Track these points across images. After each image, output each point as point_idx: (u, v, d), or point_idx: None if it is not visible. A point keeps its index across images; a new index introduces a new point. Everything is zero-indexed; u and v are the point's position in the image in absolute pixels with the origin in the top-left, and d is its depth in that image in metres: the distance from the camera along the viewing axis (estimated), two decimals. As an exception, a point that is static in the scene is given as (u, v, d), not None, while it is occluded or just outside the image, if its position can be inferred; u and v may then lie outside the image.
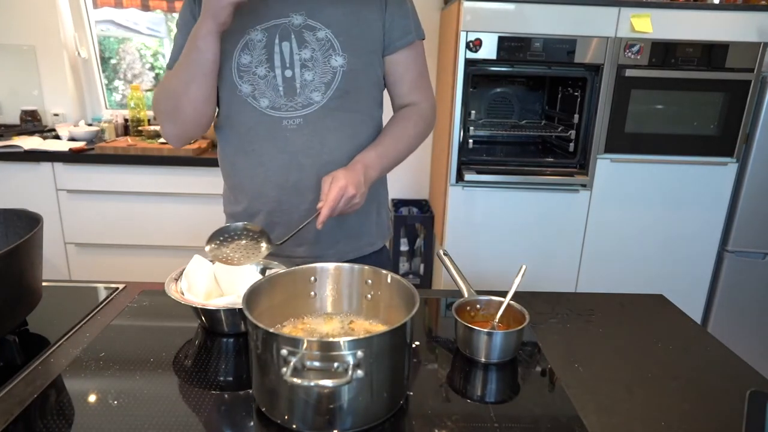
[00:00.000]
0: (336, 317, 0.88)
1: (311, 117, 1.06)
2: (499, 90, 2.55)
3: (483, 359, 0.85)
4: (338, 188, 0.96)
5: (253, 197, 1.13)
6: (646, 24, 2.00)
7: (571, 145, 2.24)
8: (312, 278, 0.87)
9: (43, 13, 2.54)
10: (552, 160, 2.28)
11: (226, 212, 1.22)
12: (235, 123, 1.09)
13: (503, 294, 0.91)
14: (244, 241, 0.96)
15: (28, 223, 0.91)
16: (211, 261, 0.98)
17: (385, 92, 1.19)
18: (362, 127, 1.11)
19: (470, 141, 2.18)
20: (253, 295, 0.76)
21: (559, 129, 2.30)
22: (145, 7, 2.66)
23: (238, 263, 0.91)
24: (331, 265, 0.88)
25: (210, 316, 0.90)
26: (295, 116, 1.05)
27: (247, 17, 1.02)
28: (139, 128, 2.59)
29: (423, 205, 2.78)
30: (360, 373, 0.64)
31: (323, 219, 0.95)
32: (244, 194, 1.14)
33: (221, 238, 0.95)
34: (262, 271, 1.01)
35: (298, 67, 1.04)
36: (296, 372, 0.63)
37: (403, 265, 2.72)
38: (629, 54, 2.03)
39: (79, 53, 2.71)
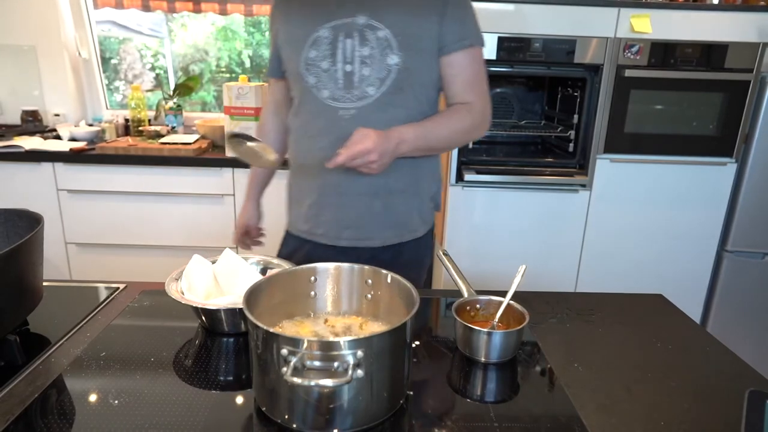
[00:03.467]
0: (336, 317, 0.88)
1: (364, 109, 1.14)
2: (498, 90, 2.55)
3: (483, 359, 0.85)
4: (364, 148, 1.03)
5: (311, 177, 1.22)
6: (645, 24, 2.01)
7: (571, 145, 2.24)
8: (312, 278, 0.88)
9: (44, 13, 2.54)
10: (552, 160, 2.28)
11: (290, 195, 1.33)
12: (302, 110, 1.20)
13: (503, 294, 0.91)
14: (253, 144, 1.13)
15: (28, 223, 0.92)
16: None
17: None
18: (411, 122, 1.16)
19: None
20: (253, 294, 0.76)
21: (559, 129, 2.30)
22: (146, 7, 2.66)
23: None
24: (331, 265, 0.88)
25: (210, 315, 0.90)
26: (350, 107, 1.14)
27: (317, 16, 1.12)
28: (140, 128, 2.59)
29: (423, 206, 2.77)
30: (360, 372, 0.64)
31: (336, 164, 1.03)
32: (303, 174, 1.25)
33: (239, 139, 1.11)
34: (263, 271, 1.01)
35: (358, 63, 1.12)
36: (296, 372, 0.63)
37: (403, 265, 2.71)
38: (629, 54, 2.04)
39: (79, 53, 2.71)
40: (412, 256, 1.26)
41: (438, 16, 1.12)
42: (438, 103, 1.23)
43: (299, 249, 1.28)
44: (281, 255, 1.31)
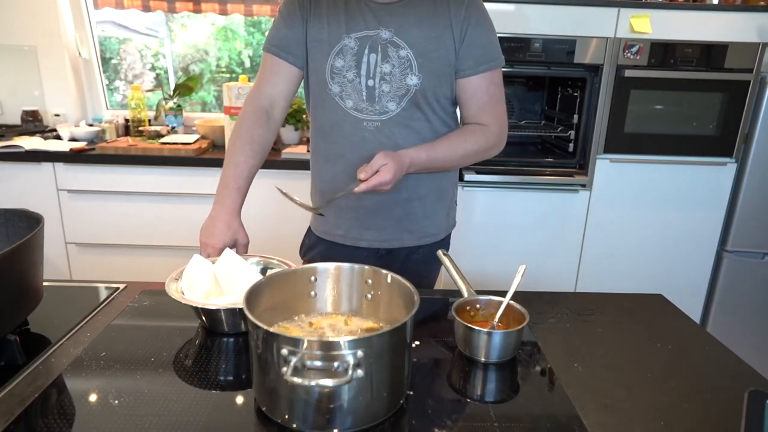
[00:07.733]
0: (336, 317, 0.88)
1: (387, 123, 1.17)
2: (499, 90, 2.55)
3: (483, 359, 0.85)
4: (383, 180, 1.06)
5: (329, 181, 1.25)
6: (645, 24, 2.01)
7: (571, 145, 2.24)
8: (312, 278, 0.88)
9: (44, 13, 2.54)
10: (552, 160, 2.28)
11: (312, 197, 1.33)
12: (323, 117, 1.22)
13: (503, 294, 0.91)
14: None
15: (29, 223, 0.92)
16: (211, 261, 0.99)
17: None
18: (433, 134, 1.20)
19: (470, 141, 2.18)
20: (253, 294, 0.76)
21: (559, 129, 2.30)
22: (146, 7, 2.66)
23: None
24: (331, 265, 0.88)
25: (210, 315, 0.90)
26: (374, 120, 1.17)
27: (344, 24, 1.14)
28: (140, 128, 2.59)
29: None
30: (360, 372, 0.64)
31: (356, 192, 1.07)
32: (321, 178, 1.27)
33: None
34: (263, 271, 1.01)
35: (378, 79, 1.15)
36: (296, 371, 0.63)
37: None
38: (628, 54, 2.04)
39: (80, 53, 2.71)
40: (427, 256, 1.28)
41: (458, 40, 1.14)
42: (456, 113, 1.25)
43: (318, 243, 1.32)
44: (304, 246, 1.37)
